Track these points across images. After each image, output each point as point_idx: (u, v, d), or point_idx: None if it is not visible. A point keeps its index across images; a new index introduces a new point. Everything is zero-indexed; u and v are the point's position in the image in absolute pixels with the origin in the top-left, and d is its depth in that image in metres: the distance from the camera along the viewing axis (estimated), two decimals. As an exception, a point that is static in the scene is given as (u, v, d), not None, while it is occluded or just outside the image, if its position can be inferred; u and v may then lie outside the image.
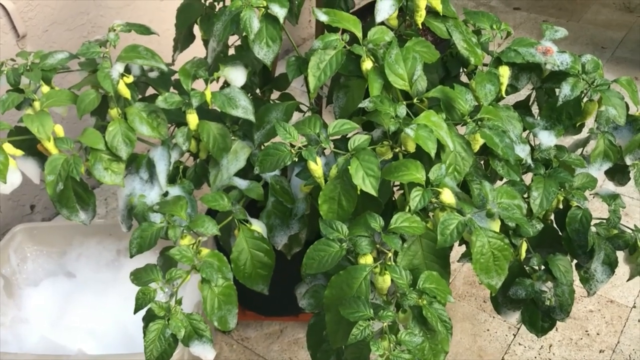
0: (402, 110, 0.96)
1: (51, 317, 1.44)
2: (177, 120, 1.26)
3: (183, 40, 1.41)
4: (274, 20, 1.07)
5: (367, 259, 0.93)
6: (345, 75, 1.07)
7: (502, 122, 1.02)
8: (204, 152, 1.21)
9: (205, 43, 1.39)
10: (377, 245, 0.92)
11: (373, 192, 0.91)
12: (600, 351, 1.60)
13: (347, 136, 1.07)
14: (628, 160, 1.27)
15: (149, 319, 0.96)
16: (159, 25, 1.44)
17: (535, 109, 1.29)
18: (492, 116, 1.03)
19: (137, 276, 0.99)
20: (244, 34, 1.05)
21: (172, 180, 1.20)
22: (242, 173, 1.20)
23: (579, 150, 1.32)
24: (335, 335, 0.95)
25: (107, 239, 1.58)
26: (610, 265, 1.17)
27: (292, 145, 0.96)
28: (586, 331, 1.64)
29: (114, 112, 1.19)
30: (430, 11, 1.12)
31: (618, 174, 1.34)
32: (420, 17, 1.08)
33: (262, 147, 1.22)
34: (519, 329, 1.66)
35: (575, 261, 1.17)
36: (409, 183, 0.93)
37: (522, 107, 1.31)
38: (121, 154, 1.15)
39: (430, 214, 0.99)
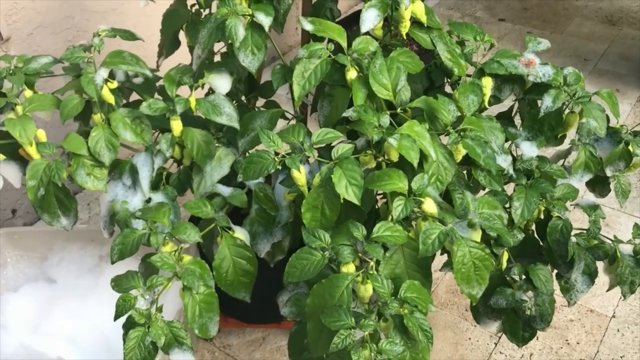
0: (386, 119, 0.96)
1: (31, 323, 1.42)
2: (161, 126, 1.26)
3: (168, 46, 1.41)
4: (259, 28, 1.08)
5: (350, 268, 0.93)
6: (329, 84, 1.07)
7: (484, 133, 1.03)
8: (188, 159, 1.21)
9: (191, 49, 1.39)
10: (360, 254, 0.92)
11: (356, 201, 0.91)
12: (580, 360, 1.61)
13: (331, 145, 1.08)
14: (608, 172, 1.28)
15: (129, 326, 0.95)
16: (144, 30, 1.44)
17: (517, 120, 1.30)
18: (474, 127, 1.04)
19: (118, 283, 0.99)
20: (230, 41, 1.06)
21: (155, 186, 1.20)
22: (226, 180, 1.20)
23: (561, 162, 1.33)
24: (316, 343, 0.95)
25: (89, 245, 1.56)
26: (590, 276, 1.18)
27: (276, 153, 0.96)
28: (566, 340, 1.66)
29: (97, 117, 1.18)
30: (415, 22, 1.13)
31: (599, 185, 1.36)
32: (405, 27, 1.09)
33: (247, 155, 1.23)
34: (500, 337, 1.67)
35: (555, 271, 1.18)
36: (391, 192, 0.94)
37: (504, 118, 1.33)
38: (104, 159, 1.14)
39: (413, 223, 1.00)
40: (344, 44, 1.04)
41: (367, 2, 1.06)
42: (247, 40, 1.07)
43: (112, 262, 1.08)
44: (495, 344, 1.65)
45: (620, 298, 1.75)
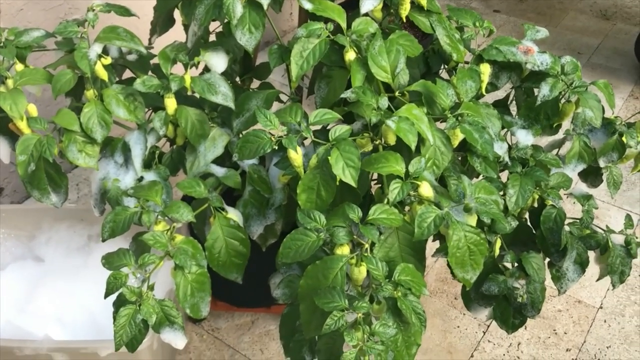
0: (384, 102, 0.95)
1: (18, 302, 1.40)
2: (154, 104, 1.24)
3: (162, 23, 1.39)
4: (257, 6, 1.06)
5: (344, 250, 0.92)
6: (327, 65, 1.06)
7: (482, 119, 1.02)
8: (181, 138, 1.19)
9: (186, 28, 1.37)
10: (354, 237, 0.91)
11: (352, 183, 0.90)
12: (567, 350, 1.62)
13: (327, 127, 1.07)
14: (602, 163, 1.29)
15: (119, 303, 0.94)
16: (137, 7, 1.41)
17: (513, 108, 1.30)
18: (472, 112, 1.03)
19: (109, 260, 0.97)
20: (226, 19, 1.04)
21: (147, 165, 1.18)
22: (220, 161, 1.19)
23: (554, 151, 1.34)
24: (309, 325, 0.94)
25: (78, 224, 1.55)
26: (582, 265, 1.19)
27: (272, 134, 0.95)
28: (554, 330, 1.67)
29: (90, 93, 1.16)
30: (415, 5, 1.12)
31: (591, 175, 1.37)
32: (405, 10, 1.08)
33: (241, 135, 1.21)
34: (488, 326, 1.67)
35: (547, 259, 1.18)
36: (387, 175, 0.93)
37: (500, 106, 1.32)
38: (96, 136, 1.12)
39: (407, 207, 0.99)
40: (344, 25, 1.03)
41: (367, -17, 1.05)
42: (244, 18, 1.06)
43: (103, 240, 1.07)
44: (484, 332, 1.66)
45: (608, 289, 1.77)
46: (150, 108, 1.24)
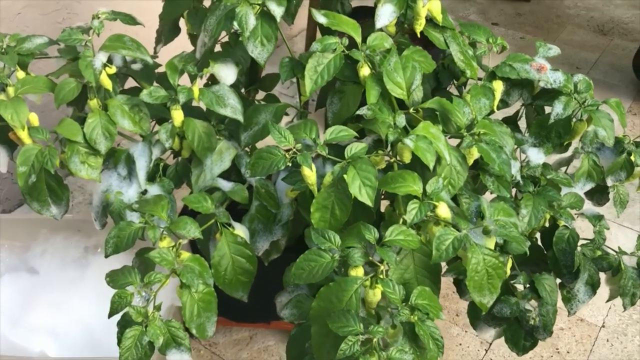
0: (402, 119, 0.93)
1: (11, 315, 1.36)
2: (159, 115, 1.21)
3: (167, 32, 1.36)
4: (270, 18, 1.04)
5: (359, 272, 0.89)
6: (340, 80, 1.04)
7: (498, 138, 1.00)
8: (187, 151, 1.16)
9: (192, 37, 1.34)
10: (370, 258, 0.89)
11: (369, 203, 0.88)
12: (569, 370, 1.61)
13: (339, 143, 1.04)
14: (609, 182, 1.27)
15: (124, 324, 0.91)
16: (139, 15, 1.38)
17: (522, 125, 1.28)
18: (488, 131, 1.01)
19: (113, 278, 0.94)
20: (233, 30, 1.02)
21: (151, 178, 1.15)
22: (225, 174, 1.16)
23: (563, 169, 1.32)
24: (320, 349, 0.91)
25: (74, 235, 1.51)
26: (593, 286, 1.17)
27: (287, 149, 0.92)
28: (557, 349, 1.65)
29: (93, 103, 1.13)
30: (429, 20, 1.10)
31: (597, 194, 1.35)
32: (420, 25, 1.06)
33: (249, 149, 1.19)
34: (490, 344, 1.65)
35: (558, 280, 1.16)
36: (404, 195, 0.91)
37: (510, 123, 1.30)
38: (100, 147, 1.09)
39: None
40: (359, 39, 1.01)
41: (382, -3, 1.03)
42: (256, 30, 1.03)
43: (106, 256, 1.03)
44: (486, 351, 1.64)
45: (610, 308, 1.75)
46: (153, 119, 1.21)
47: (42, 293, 1.44)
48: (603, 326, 1.71)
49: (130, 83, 1.27)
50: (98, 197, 1.15)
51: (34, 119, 1.11)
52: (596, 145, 1.27)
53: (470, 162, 1.02)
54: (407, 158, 0.96)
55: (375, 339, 0.85)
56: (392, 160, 0.97)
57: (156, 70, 1.26)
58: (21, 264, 1.49)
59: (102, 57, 1.11)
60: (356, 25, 1.01)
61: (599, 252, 1.17)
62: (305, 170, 0.91)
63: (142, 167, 1.13)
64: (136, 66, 1.24)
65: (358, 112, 0.94)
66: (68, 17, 1.92)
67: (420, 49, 1.07)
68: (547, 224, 1.17)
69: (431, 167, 0.89)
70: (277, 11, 1.02)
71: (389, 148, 0.96)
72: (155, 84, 1.24)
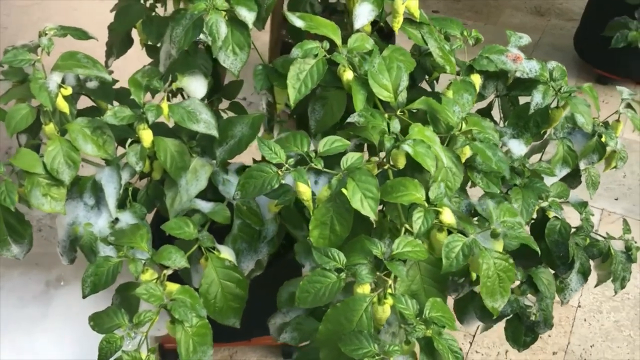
0: (396, 125, 0.88)
1: (-29, 365, 1.24)
2: (121, 136, 1.12)
3: (120, 45, 1.26)
4: (240, 25, 0.97)
5: (365, 289, 0.85)
6: (321, 85, 0.98)
7: (491, 135, 0.98)
8: (159, 172, 1.08)
9: (149, 48, 1.25)
10: (377, 273, 0.84)
11: (373, 216, 0.83)
12: (553, 353, 1.62)
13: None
14: (582, 165, 1.27)
15: (117, 372, 0.83)
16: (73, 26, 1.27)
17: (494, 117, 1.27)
18: (478, 128, 0.98)
19: (98, 322, 0.86)
20: (211, 39, 0.94)
21: (121, 205, 1.06)
22: (201, 194, 1.08)
23: (537, 157, 1.31)
24: (332, 373, 0.86)
25: (32, 270, 1.39)
26: (584, 274, 1.16)
27: (279, 166, 0.86)
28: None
29: (50, 128, 1.03)
30: (405, 18, 1.05)
31: (570, 178, 1.35)
32: (398, 23, 1.01)
33: (228, 164, 1.11)
34: (474, 336, 1.64)
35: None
36: (407, 204, 0.86)
37: (484, 116, 1.29)
38: (63, 177, 1.00)
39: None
40: (339, 42, 0.95)
41: (358, -5, 0.98)
42: (227, 38, 0.96)
43: (84, 296, 0.94)
44: (470, 343, 1.63)
45: (583, 288, 1.78)
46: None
47: (2, 336, 1.32)
48: (579, 306, 1.74)
49: (83, 103, 1.17)
50: (64, 230, 1.06)
51: (-16, 151, 1.01)
52: (567, 130, 1.26)
53: (463, 161, 0.99)
54: (401, 164, 0.91)
55: (391, 359, 0.80)
56: (386, 167, 0.92)
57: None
58: (-25, 307, 1.37)
59: (56, 78, 1.02)
60: (335, 27, 0.96)
61: (587, 240, 1.16)
62: (301, 186, 0.85)
63: (111, 194, 1.04)
64: (91, 84, 1.14)
65: (349, 120, 0.89)
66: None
67: (399, 48, 1.03)
68: (534, 216, 1.16)
69: (432, 171, 0.85)
70: (248, 17, 0.96)
71: (382, 155, 0.92)
72: (114, 102, 1.15)
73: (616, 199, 2.09)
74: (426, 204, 0.86)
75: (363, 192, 0.83)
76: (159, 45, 1.22)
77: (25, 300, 1.38)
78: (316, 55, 0.93)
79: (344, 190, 0.83)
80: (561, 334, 1.66)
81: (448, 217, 0.86)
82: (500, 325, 1.21)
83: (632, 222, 1.84)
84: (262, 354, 1.60)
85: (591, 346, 1.64)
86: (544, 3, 3.15)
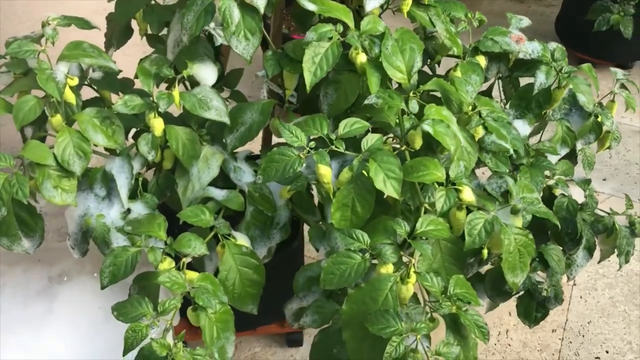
0: (415, 105, 0.89)
1: (-21, 365, 1.22)
2: (130, 126, 1.11)
3: (119, 35, 1.25)
4: (251, 10, 0.96)
5: (389, 268, 0.85)
6: (334, 69, 0.98)
7: (503, 114, 0.99)
8: (170, 161, 1.07)
9: (149, 37, 1.24)
10: (401, 253, 0.85)
11: (396, 195, 0.84)
12: (552, 331, 1.65)
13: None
14: (579, 145, 1.30)
15: (145, 360, 0.82)
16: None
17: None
18: (489, 108, 0.99)
19: (122, 312, 0.85)
20: (224, 25, 0.94)
21: (132, 195, 1.05)
22: (212, 182, 1.08)
23: (537, 137, 1.33)
24: (358, 354, 0.87)
25: (34, 266, 1.37)
26: (589, 250, 1.19)
27: (300, 148, 0.86)
28: (537, 313, 1.68)
29: (57, 120, 1.02)
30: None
31: (567, 158, 1.38)
32: (407, 5, 1.02)
33: (235, 152, 1.11)
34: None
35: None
36: (426, 184, 0.87)
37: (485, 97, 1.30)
38: (74, 168, 0.98)
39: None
40: (352, 25, 0.96)
41: (368, -22, 0.98)
42: (239, 24, 0.95)
43: (102, 287, 0.93)
44: (472, 325, 1.65)
45: (578, 266, 1.81)
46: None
47: (7, 334, 1.30)
48: (575, 284, 1.77)
49: (83, 95, 1.16)
50: (75, 223, 1.04)
51: (-8, 144, 0.99)
52: (564, 110, 1.29)
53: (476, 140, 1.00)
54: (418, 144, 0.92)
55: (418, 336, 0.81)
56: (402, 148, 0.93)
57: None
58: (-23, 306, 1.34)
59: (63, 69, 1.00)
60: (347, 10, 0.96)
61: (592, 216, 1.19)
62: (322, 168, 0.86)
63: (123, 184, 1.03)
64: (96, 75, 1.13)
65: (366, 102, 0.89)
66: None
67: (408, 30, 1.03)
68: (541, 194, 1.18)
69: (452, 150, 0.86)
70: (260, 2, 0.95)
71: (399, 135, 0.92)
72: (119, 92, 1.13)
73: (604, 180, 2.13)
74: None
75: (385, 172, 0.84)
76: (160, 34, 1.21)
77: (29, 297, 1.35)
78: (330, 39, 0.93)
79: (368, 171, 0.84)
80: (559, 312, 1.69)
81: (468, 195, 0.88)
82: (501, 306, 1.23)
83: (620, 201, 1.89)
84: (266, 343, 1.60)
85: (588, 322, 1.67)
86: (523, -11, 3.19)
